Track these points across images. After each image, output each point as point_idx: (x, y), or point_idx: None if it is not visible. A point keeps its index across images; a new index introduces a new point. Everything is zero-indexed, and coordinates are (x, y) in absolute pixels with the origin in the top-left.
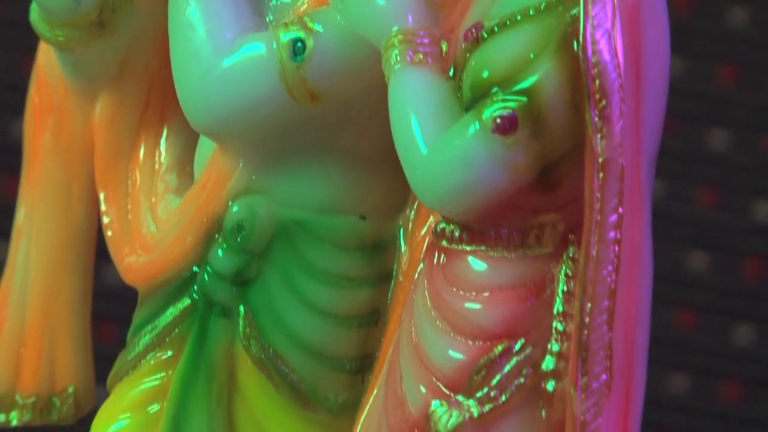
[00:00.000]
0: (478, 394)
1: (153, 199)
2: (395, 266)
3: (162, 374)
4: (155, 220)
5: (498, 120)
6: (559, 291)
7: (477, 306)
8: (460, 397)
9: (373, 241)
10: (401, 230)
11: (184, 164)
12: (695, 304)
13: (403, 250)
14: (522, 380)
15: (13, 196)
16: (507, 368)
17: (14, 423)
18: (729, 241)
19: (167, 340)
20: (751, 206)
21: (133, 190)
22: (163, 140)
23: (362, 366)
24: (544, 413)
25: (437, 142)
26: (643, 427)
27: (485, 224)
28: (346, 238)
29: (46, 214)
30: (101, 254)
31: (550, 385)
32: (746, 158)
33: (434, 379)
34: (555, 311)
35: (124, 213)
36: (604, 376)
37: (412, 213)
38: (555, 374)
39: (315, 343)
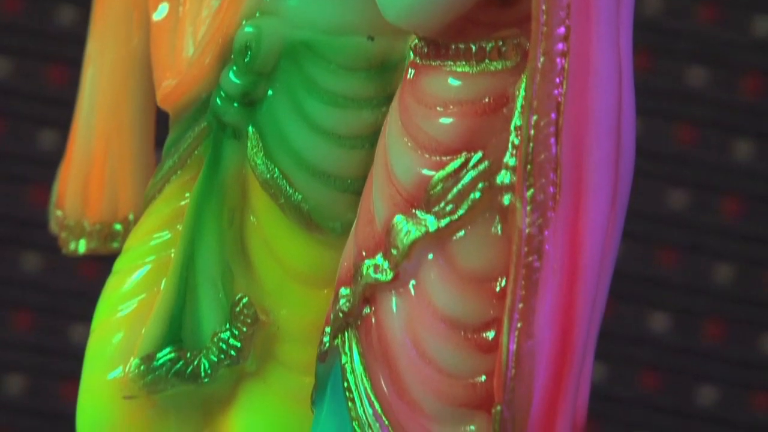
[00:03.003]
0: (435, 209)
1: (197, 24)
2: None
3: (185, 195)
4: (194, 44)
5: None
6: (518, 105)
7: (436, 120)
8: (418, 212)
9: (381, 61)
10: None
11: None
12: (694, 118)
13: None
14: (478, 195)
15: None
16: (463, 182)
17: (82, 251)
18: (728, 56)
19: (188, 162)
20: (751, 21)
21: (183, 15)
22: None
23: None
24: (500, 228)
25: None
26: (641, 240)
27: (448, 38)
28: (352, 59)
29: (109, 42)
30: None
31: (506, 199)
32: None
33: (398, 194)
34: (512, 126)
35: (172, 39)
36: (551, 189)
37: None
38: (511, 188)
39: (318, 162)
